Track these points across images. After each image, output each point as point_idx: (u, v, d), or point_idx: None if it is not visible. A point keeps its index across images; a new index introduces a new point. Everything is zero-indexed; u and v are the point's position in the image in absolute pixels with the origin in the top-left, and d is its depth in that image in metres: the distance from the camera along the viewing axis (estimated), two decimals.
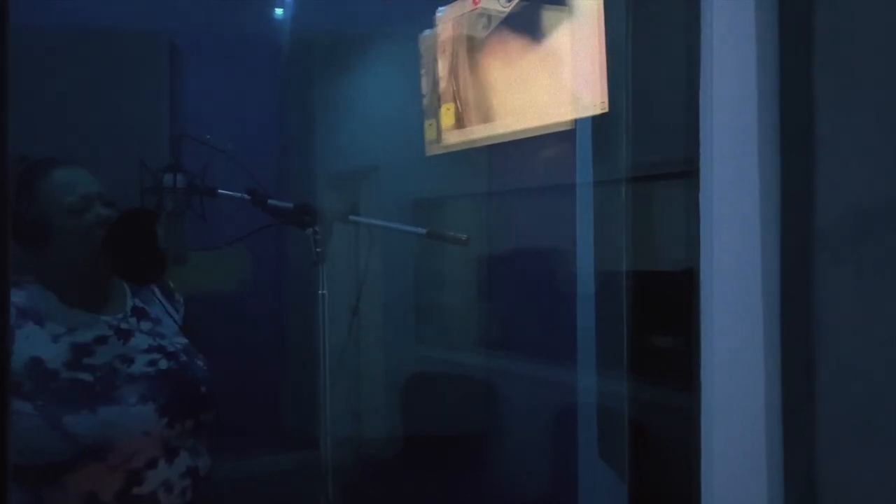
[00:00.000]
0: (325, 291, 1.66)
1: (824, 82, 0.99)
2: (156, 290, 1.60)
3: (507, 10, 1.95)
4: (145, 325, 1.53)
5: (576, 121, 1.84)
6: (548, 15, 1.84)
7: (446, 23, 2.22)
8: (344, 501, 1.74)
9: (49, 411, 1.34)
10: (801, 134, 1.00)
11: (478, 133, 2.12)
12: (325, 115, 2.77)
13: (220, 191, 1.65)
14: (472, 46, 2.10)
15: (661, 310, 1.54)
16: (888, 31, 0.94)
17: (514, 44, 1.96)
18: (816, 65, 1.00)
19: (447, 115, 2.23)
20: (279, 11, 2.76)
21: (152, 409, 1.42)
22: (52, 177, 1.46)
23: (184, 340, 1.57)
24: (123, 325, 1.50)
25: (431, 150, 2.32)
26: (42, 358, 1.37)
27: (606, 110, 1.69)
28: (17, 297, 1.42)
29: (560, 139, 1.92)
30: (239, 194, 1.67)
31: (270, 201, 1.68)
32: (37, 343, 1.39)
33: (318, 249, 1.66)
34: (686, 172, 1.14)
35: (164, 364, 1.49)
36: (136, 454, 1.41)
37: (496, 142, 2.07)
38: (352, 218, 1.75)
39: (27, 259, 1.45)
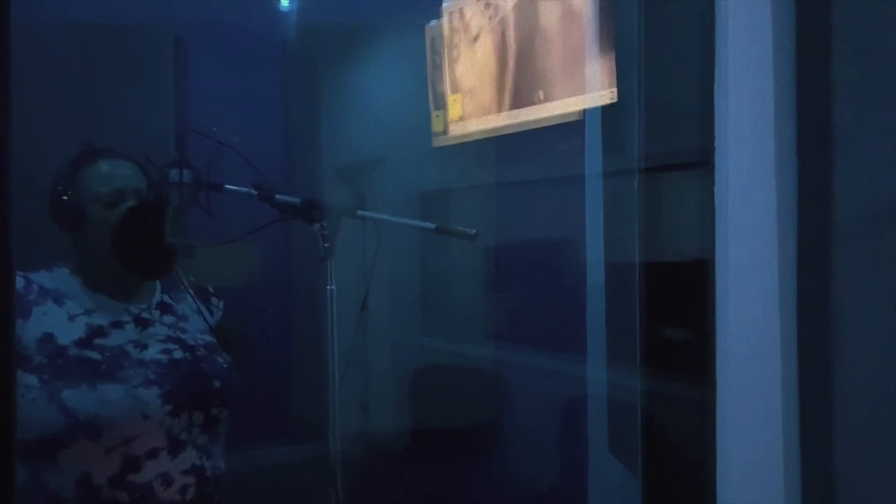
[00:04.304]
0: (333, 286, 1.65)
1: (843, 71, 0.97)
2: (189, 290, 1.60)
3: None
4: (168, 319, 1.55)
5: (584, 111, 1.83)
6: (555, 4, 1.82)
7: (453, 13, 2.20)
8: (353, 493, 1.74)
9: (51, 385, 1.37)
10: (819, 124, 0.98)
11: (485, 124, 2.10)
12: (331, 108, 2.76)
13: (226, 186, 1.63)
14: (479, 36, 2.08)
15: (675, 302, 1.53)
16: None
17: (522, 34, 1.93)
18: (834, 53, 0.98)
19: (454, 107, 2.21)
20: (284, 3, 2.74)
21: (155, 394, 1.43)
22: (94, 165, 1.49)
23: (209, 339, 1.57)
24: (144, 315, 1.51)
25: (439, 142, 2.30)
26: (54, 334, 1.40)
27: (615, 100, 1.67)
28: (42, 278, 1.46)
29: (568, 130, 1.90)
30: (246, 189, 1.65)
31: (278, 196, 1.66)
32: (52, 321, 1.42)
33: (325, 244, 1.65)
34: (700, 163, 1.12)
35: (178, 354, 1.50)
36: (134, 438, 1.40)
37: (504, 133, 2.05)
38: (360, 212, 1.73)
39: (62, 242, 1.48)
